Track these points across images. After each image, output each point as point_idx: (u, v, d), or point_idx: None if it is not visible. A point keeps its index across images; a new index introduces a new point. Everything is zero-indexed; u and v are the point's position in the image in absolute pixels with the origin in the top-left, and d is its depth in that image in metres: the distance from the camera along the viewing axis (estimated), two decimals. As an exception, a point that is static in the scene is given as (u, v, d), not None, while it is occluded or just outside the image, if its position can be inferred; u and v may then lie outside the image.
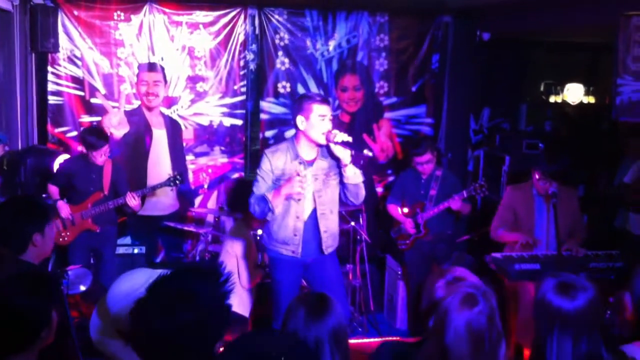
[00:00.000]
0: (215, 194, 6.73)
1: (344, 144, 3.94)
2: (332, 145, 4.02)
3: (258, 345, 1.81)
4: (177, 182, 5.58)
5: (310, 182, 4.09)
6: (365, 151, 4.28)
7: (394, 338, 5.75)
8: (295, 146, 4.12)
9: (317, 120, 3.99)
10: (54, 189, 5.49)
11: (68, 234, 5.34)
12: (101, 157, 5.32)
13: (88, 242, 5.45)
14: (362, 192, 4.21)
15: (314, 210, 4.16)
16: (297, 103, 4.13)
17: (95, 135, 5.33)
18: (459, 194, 5.25)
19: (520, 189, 4.95)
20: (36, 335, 1.99)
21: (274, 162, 4.09)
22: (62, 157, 5.68)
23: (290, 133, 6.70)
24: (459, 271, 2.49)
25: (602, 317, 2.41)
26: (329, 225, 4.21)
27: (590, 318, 2.29)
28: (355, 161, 4.08)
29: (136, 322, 1.77)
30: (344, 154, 4.02)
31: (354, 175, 4.09)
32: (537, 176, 4.68)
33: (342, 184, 4.17)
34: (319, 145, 4.09)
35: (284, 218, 4.14)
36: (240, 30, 6.51)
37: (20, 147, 5.92)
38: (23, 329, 1.96)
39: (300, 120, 4.05)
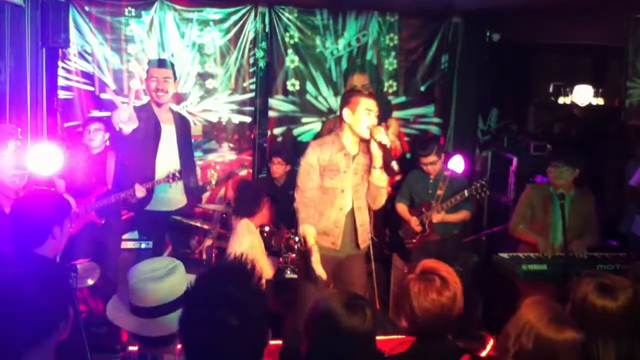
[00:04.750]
0: (222, 190, 6.75)
1: (380, 145, 3.95)
2: (372, 143, 4.02)
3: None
4: (175, 178, 5.58)
5: (351, 176, 4.13)
6: (394, 165, 4.18)
7: (400, 337, 5.75)
8: (341, 139, 4.14)
9: (363, 114, 4.01)
10: (60, 182, 5.50)
11: (72, 226, 5.34)
12: (92, 140, 5.31)
13: (92, 234, 5.45)
14: (381, 198, 4.23)
15: (352, 204, 4.21)
16: (345, 96, 4.17)
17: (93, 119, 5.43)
18: (460, 193, 5.28)
19: (539, 187, 5.02)
20: (54, 327, 2.01)
21: (321, 154, 4.11)
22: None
23: (298, 130, 6.72)
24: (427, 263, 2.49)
25: None
26: (365, 219, 4.27)
27: (632, 317, 2.26)
28: (386, 169, 4.06)
29: (183, 326, 1.78)
30: (378, 155, 4.02)
31: (378, 178, 4.10)
32: (551, 168, 4.71)
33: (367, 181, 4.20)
34: (362, 140, 4.12)
35: (327, 209, 4.16)
36: (251, 28, 6.53)
37: (29, 141, 5.94)
38: (41, 320, 1.97)
39: (346, 112, 4.06)
